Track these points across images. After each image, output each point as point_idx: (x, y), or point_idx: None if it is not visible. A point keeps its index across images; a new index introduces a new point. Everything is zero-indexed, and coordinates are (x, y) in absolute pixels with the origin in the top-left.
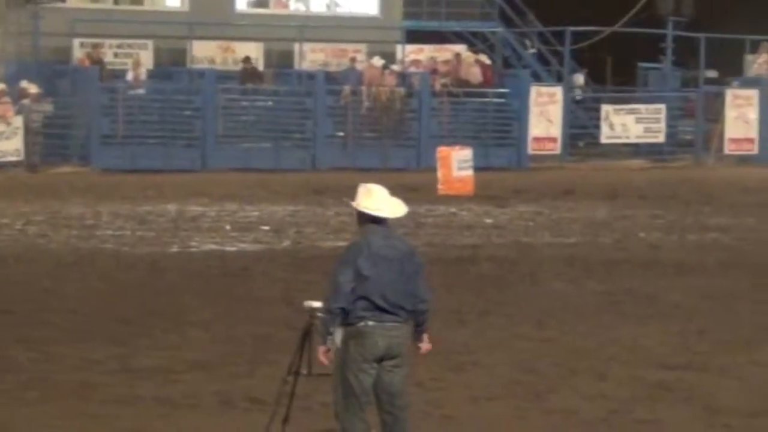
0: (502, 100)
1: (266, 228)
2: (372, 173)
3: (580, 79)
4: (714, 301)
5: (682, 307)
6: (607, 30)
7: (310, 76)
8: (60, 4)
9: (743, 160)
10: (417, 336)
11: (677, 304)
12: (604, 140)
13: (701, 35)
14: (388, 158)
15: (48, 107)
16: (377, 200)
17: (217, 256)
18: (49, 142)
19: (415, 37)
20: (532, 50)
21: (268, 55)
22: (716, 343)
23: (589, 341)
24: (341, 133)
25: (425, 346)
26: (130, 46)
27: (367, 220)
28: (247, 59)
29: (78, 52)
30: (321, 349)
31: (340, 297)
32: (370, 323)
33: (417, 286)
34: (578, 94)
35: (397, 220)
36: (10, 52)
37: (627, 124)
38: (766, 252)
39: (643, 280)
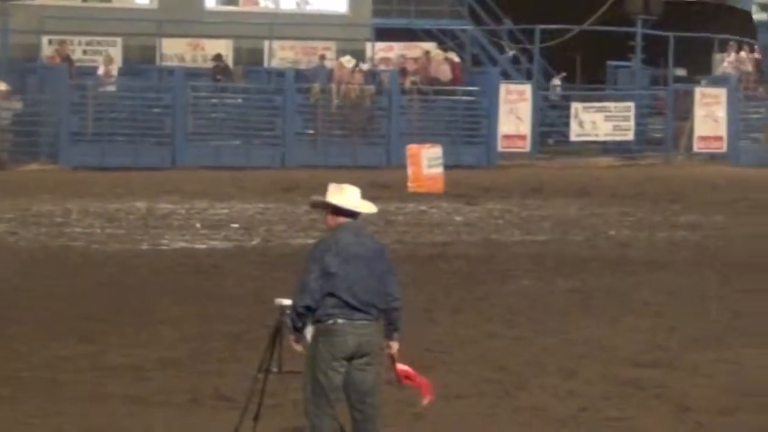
0: (472, 98)
1: (236, 225)
2: (342, 171)
3: (556, 81)
4: (684, 299)
5: (652, 305)
6: (577, 28)
7: (280, 73)
8: (29, 2)
9: (712, 158)
10: (388, 334)
11: (647, 302)
12: (573, 138)
13: (670, 34)
14: (357, 156)
15: (17, 105)
16: (353, 197)
17: (187, 254)
18: (19, 140)
19: (384, 34)
20: (512, 52)
21: (237, 52)
22: (686, 340)
23: (558, 339)
24: (311, 131)
25: (394, 346)
26: (99, 43)
27: (341, 215)
28: (218, 56)
29: (47, 50)
30: (291, 337)
31: (306, 295)
32: (340, 321)
33: (388, 284)
34: (555, 94)
35: (368, 217)
36: None
37: (596, 121)
38: (734, 250)
39: (614, 278)
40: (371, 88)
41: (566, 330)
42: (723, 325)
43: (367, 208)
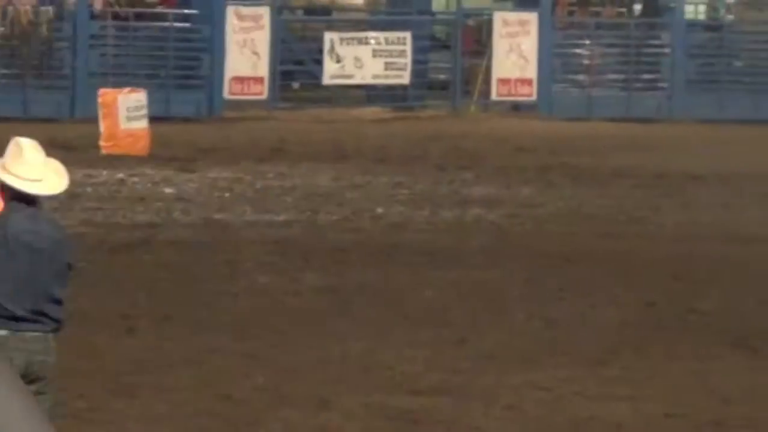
0: (188, 25)
1: None
2: (8, 124)
3: None
4: (477, 301)
5: (434, 309)
6: None
7: None
8: None
9: (517, 108)
10: None
11: (428, 305)
12: (328, 81)
13: None
14: (29, 104)
15: None
16: (32, 167)
17: None
18: None
19: None
20: None
21: None
22: (480, 357)
23: (307, 356)
24: None
25: None
26: None
27: (12, 195)
28: None
29: None
30: None
31: None
32: (2, 332)
33: (57, 285)
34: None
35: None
36: None
37: (361, 58)
38: (545, 234)
39: (382, 272)
40: (48, 10)
41: (317, 344)
42: (530, 337)
43: (51, 184)
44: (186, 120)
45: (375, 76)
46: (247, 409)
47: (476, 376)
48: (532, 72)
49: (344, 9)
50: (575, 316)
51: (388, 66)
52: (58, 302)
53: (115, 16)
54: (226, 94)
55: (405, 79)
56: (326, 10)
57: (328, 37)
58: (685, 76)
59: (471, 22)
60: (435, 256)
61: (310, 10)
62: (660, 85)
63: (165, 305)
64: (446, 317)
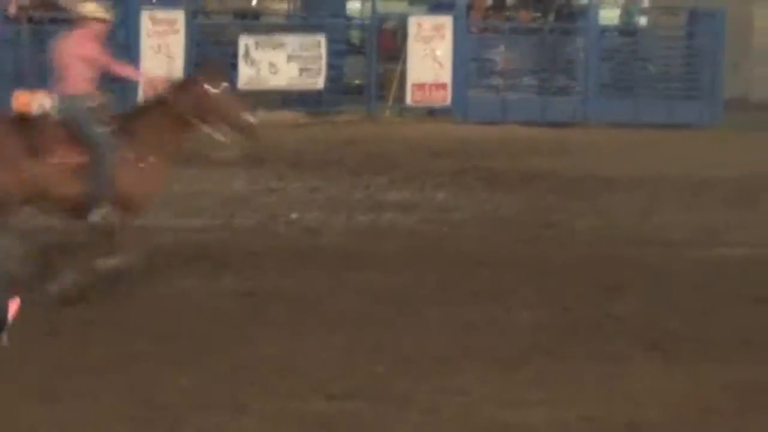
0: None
1: None
2: None
3: None
4: (392, 305)
5: (349, 314)
6: None
7: None
8: None
9: (431, 113)
10: None
11: (343, 310)
12: (242, 85)
13: None
14: None
15: None
16: None
17: None
18: None
19: None
20: None
21: None
22: (396, 362)
23: (224, 361)
24: None
25: None
26: None
27: None
28: None
29: None
30: None
31: None
32: None
33: None
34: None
35: None
36: None
37: (275, 62)
38: (459, 238)
39: (297, 277)
40: None
41: (234, 348)
42: (445, 342)
43: None
44: None
45: (290, 81)
46: (167, 413)
47: (391, 381)
48: (446, 76)
49: (271, 13)
50: (490, 320)
51: (302, 71)
52: None
53: (30, 20)
54: (141, 99)
55: (320, 83)
56: (246, 14)
57: (243, 41)
58: (600, 80)
59: (388, 25)
60: (350, 261)
61: (232, 14)
62: (574, 89)
63: (87, 309)
64: (361, 321)
